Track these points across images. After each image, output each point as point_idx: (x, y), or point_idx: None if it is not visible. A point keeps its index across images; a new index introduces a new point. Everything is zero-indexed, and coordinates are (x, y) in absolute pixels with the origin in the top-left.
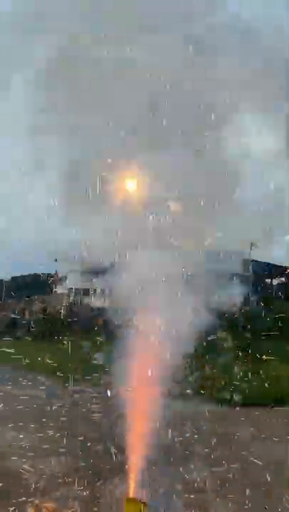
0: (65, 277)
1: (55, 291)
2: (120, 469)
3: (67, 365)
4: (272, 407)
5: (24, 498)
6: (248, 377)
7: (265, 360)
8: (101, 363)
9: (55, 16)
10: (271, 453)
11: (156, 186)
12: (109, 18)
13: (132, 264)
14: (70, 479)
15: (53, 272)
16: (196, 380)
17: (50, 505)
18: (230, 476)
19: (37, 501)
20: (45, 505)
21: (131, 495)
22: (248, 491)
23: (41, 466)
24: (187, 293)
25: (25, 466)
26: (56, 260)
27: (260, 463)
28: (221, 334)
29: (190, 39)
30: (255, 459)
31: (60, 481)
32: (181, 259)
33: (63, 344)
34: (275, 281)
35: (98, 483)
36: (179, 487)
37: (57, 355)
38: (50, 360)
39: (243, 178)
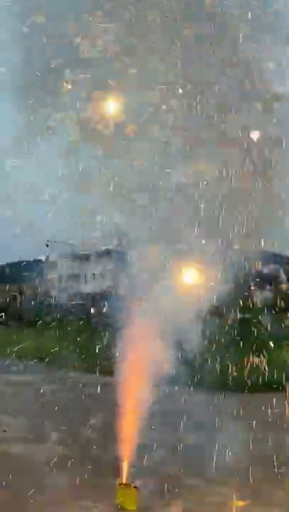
0: (56, 263)
1: (46, 277)
2: None
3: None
4: None
5: None
6: None
7: None
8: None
9: None
10: None
11: None
12: None
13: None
14: None
15: (43, 258)
16: None
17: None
18: None
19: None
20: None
21: (124, 481)
22: None
23: None
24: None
25: None
26: (47, 245)
27: None
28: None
29: None
30: None
31: None
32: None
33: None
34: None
35: None
36: None
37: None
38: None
39: None
